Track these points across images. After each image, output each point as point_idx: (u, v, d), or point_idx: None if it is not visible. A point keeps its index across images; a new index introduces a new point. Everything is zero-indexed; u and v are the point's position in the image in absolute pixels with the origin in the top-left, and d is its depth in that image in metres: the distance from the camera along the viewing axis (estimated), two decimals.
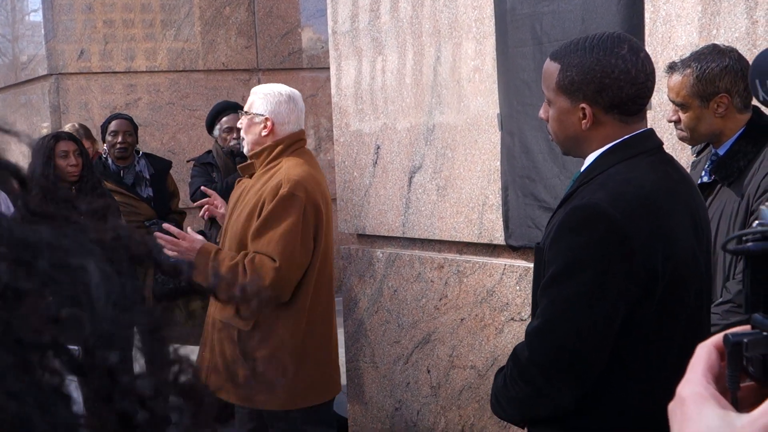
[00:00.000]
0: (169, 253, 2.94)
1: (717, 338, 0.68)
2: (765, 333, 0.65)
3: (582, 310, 1.76)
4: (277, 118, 3.09)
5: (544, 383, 1.81)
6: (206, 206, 3.38)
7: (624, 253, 1.75)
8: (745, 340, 0.65)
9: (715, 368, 0.66)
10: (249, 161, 3.17)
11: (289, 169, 3.04)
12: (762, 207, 0.70)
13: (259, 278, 2.91)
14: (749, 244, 0.66)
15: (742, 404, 0.64)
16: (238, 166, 3.29)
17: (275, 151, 3.09)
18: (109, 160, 4.78)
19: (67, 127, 5.23)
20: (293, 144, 3.14)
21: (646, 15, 3.04)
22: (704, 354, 0.67)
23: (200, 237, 3.06)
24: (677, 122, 2.56)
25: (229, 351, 3.02)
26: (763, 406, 0.61)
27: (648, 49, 2.99)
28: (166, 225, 3.17)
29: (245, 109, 3.16)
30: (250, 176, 3.18)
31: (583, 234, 1.77)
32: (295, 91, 3.24)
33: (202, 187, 3.48)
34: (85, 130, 5.24)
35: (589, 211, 1.77)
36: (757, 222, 0.68)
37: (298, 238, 2.97)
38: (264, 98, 3.10)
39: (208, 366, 3.10)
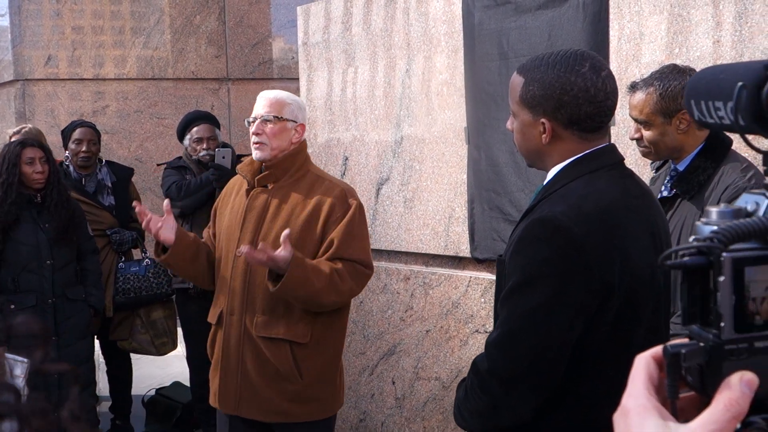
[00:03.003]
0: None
1: (655, 350, 0.69)
2: (701, 344, 0.67)
3: (540, 322, 1.78)
4: (306, 125, 3.06)
5: (503, 394, 1.83)
6: (144, 222, 2.98)
7: (581, 266, 1.77)
8: (683, 350, 0.67)
9: (654, 379, 0.68)
10: (268, 171, 2.95)
11: (334, 179, 3.03)
12: (697, 223, 0.72)
13: (360, 284, 2.91)
14: (685, 258, 0.68)
15: (682, 414, 0.66)
16: (257, 178, 2.98)
17: (299, 158, 2.98)
18: (71, 168, 4.73)
19: (14, 132, 5.14)
20: (307, 152, 3.10)
21: (611, 33, 3.08)
22: (643, 365, 0.68)
23: (291, 246, 2.72)
24: (639, 139, 2.60)
25: (273, 368, 2.89)
26: (701, 417, 0.63)
27: (613, 66, 3.04)
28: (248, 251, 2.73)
29: (273, 114, 2.93)
30: (264, 187, 2.98)
31: (541, 247, 1.79)
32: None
33: (135, 203, 3.19)
34: (38, 133, 5.15)
35: (548, 225, 1.79)
36: (693, 237, 0.70)
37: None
38: (295, 104, 2.98)
39: (237, 391, 2.95)
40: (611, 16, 3.09)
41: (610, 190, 1.88)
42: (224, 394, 2.99)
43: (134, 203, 3.17)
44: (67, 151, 4.75)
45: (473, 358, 3.50)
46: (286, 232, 2.75)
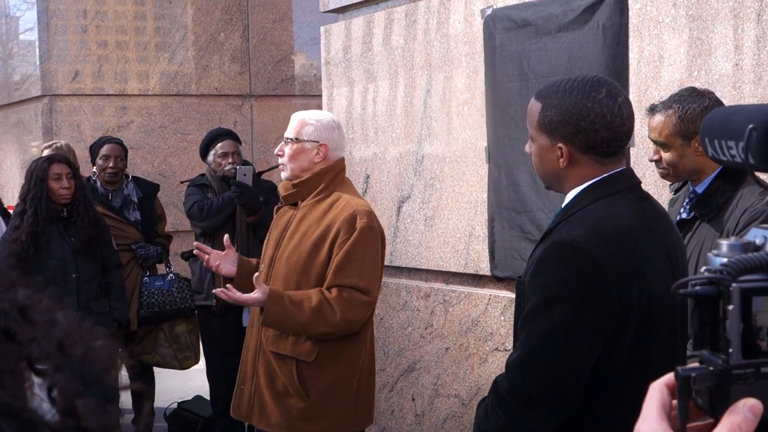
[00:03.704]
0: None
1: (668, 377, 0.73)
2: (711, 368, 0.71)
3: (559, 343, 1.82)
4: (330, 145, 3.01)
5: (523, 414, 1.86)
6: (206, 262, 3.12)
7: (600, 288, 1.80)
8: (693, 374, 0.71)
9: (667, 405, 0.72)
10: (294, 190, 3.02)
11: (354, 199, 2.97)
12: (709, 254, 0.76)
13: (352, 312, 2.85)
14: (697, 288, 0.72)
15: None
16: (282, 196, 3.08)
17: (326, 179, 3.00)
18: (98, 183, 4.81)
19: (46, 146, 5.24)
20: (340, 172, 3.07)
21: (631, 55, 3.12)
22: (657, 392, 0.72)
23: (264, 286, 2.83)
24: (658, 161, 2.63)
25: (282, 383, 2.94)
26: None
27: (632, 88, 3.07)
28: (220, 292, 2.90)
29: (292, 135, 3.01)
30: (293, 205, 3.05)
31: (560, 269, 1.83)
32: (337, 118, 3.24)
33: (195, 243, 3.31)
34: (68, 149, 5.25)
35: (567, 247, 1.83)
36: (704, 268, 0.74)
37: (379, 271, 2.97)
38: (317, 124, 3.00)
39: (250, 399, 3.02)
40: (631, 39, 3.12)
41: (627, 213, 1.92)
42: (239, 403, 3.09)
43: (195, 243, 3.28)
44: (94, 167, 4.83)
45: (493, 376, 3.53)
46: (255, 274, 2.86)
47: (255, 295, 2.82)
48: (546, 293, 1.84)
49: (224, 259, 3.07)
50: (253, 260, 3.23)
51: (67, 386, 0.55)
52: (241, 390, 3.07)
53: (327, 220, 2.93)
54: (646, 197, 2.03)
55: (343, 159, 3.12)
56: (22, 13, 7.59)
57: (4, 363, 0.51)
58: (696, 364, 0.73)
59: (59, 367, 0.55)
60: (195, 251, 3.14)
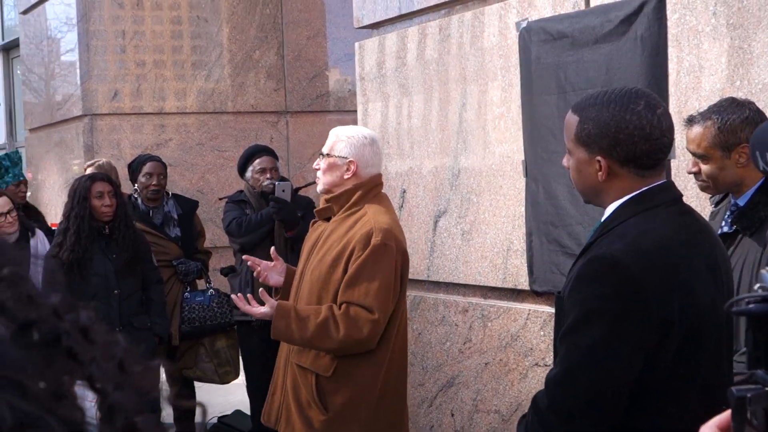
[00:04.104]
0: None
1: (719, 418, 0.71)
2: (767, 388, 0.69)
3: (599, 359, 1.80)
4: (360, 161, 3.03)
5: (563, 430, 1.84)
6: (256, 273, 3.23)
7: (640, 303, 1.78)
8: (749, 395, 0.69)
9: None
10: (326, 204, 3.08)
11: (376, 216, 2.97)
12: (762, 271, 0.74)
13: (356, 330, 2.86)
14: (750, 306, 0.70)
15: None
16: (315, 210, 3.18)
17: (357, 194, 3.01)
18: (139, 200, 4.86)
19: (89, 164, 5.34)
20: (374, 188, 3.08)
21: (670, 65, 3.08)
22: None
23: (272, 300, 2.94)
24: (697, 173, 2.58)
25: (305, 395, 2.99)
26: None
27: (672, 99, 3.04)
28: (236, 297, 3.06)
29: (325, 151, 3.07)
30: (327, 219, 3.11)
31: (599, 285, 1.81)
32: (376, 134, 3.25)
33: (245, 256, 3.39)
34: (110, 167, 5.34)
35: (606, 262, 1.81)
36: (758, 285, 0.72)
37: (392, 289, 2.95)
38: (347, 140, 3.04)
39: (279, 408, 3.09)
40: (669, 49, 3.09)
41: (668, 227, 1.89)
42: (269, 409, 3.16)
43: (245, 256, 3.36)
44: (135, 184, 4.89)
45: (533, 391, 3.49)
46: (261, 290, 2.98)
47: (263, 309, 2.93)
48: (585, 309, 1.82)
49: (272, 270, 3.17)
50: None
51: (127, 404, 0.56)
52: (272, 398, 3.15)
53: (348, 236, 2.97)
54: (688, 211, 2.00)
55: (378, 175, 3.13)
56: (63, 34, 7.72)
57: (67, 382, 0.53)
58: (750, 385, 0.71)
59: (119, 385, 0.56)
60: (249, 263, 3.23)
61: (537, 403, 1.89)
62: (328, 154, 3.06)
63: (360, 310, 2.87)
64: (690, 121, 2.59)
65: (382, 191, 3.16)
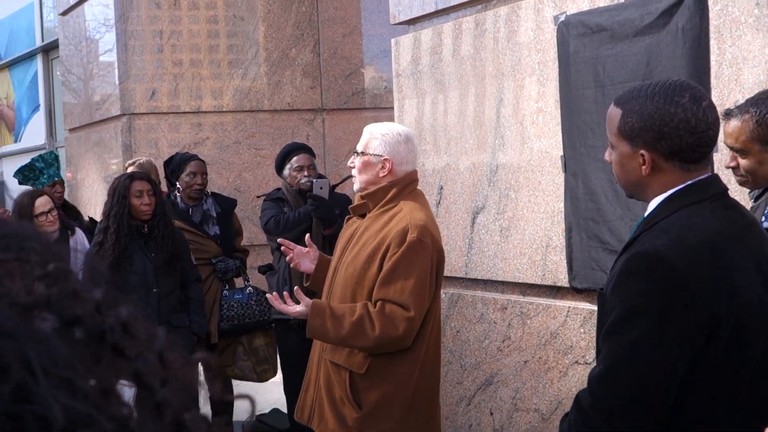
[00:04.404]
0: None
1: None
2: None
3: (643, 356, 1.77)
4: (395, 158, 3.02)
5: (608, 430, 1.81)
6: (289, 257, 3.25)
7: (684, 299, 1.75)
8: None
9: None
10: (361, 201, 3.08)
11: (411, 212, 2.96)
12: None
13: (392, 328, 2.85)
14: None
15: None
16: (350, 206, 3.18)
17: (392, 191, 3.00)
18: (178, 199, 4.89)
19: (129, 163, 5.39)
20: (409, 185, 3.07)
21: (712, 57, 3.02)
22: None
23: (306, 299, 2.92)
24: (735, 168, 2.52)
25: (338, 392, 2.99)
26: None
27: (714, 91, 2.98)
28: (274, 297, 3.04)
29: (360, 149, 3.06)
30: (362, 216, 3.10)
31: (643, 281, 1.78)
32: (410, 131, 3.24)
33: (280, 240, 3.40)
34: (150, 166, 5.39)
35: (650, 258, 1.78)
36: None
37: (427, 286, 2.94)
38: (382, 138, 3.02)
39: (312, 404, 3.10)
40: (711, 41, 3.03)
41: (713, 222, 1.85)
42: (302, 406, 3.16)
43: (279, 240, 3.38)
44: (177, 182, 4.91)
45: (574, 389, 3.45)
46: (296, 288, 2.96)
47: (298, 308, 2.91)
48: (628, 306, 1.79)
49: (305, 257, 3.20)
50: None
51: (174, 400, 0.56)
52: (305, 395, 3.15)
53: (383, 232, 2.96)
54: (734, 205, 1.96)
55: (414, 172, 3.11)
56: (101, 35, 7.81)
57: (115, 378, 0.52)
58: None
59: (165, 380, 0.56)
60: (282, 247, 3.24)
61: (580, 402, 1.86)
62: (363, 152, 3.05)
63: (395, 307, 2.86)
64: (727, 114, 2.53)
65: (418, 188, 3.15)
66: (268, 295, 3.07)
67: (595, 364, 1.92)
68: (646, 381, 1.77)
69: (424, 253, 2.91)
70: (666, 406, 1.78)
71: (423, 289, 2.91)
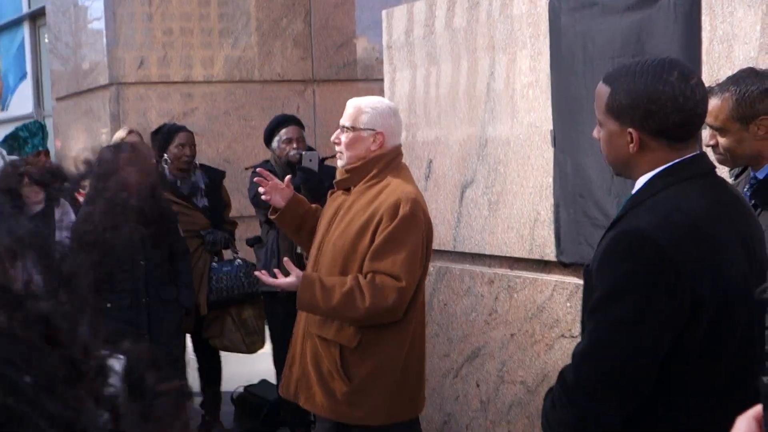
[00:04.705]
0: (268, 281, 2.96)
1: (755, 410, 0.69)
2: None
3: (626, 334, 1.78)
4: (386, 132, 3.01)
5: (591, 406, 1.83)
6: (264, 189, 3.22)
7: (669, 279, 1.75)
8: None
9: None
10: (346, 175, 3.05)
11: (401, 186, 2.97)
12: None
13: (381, 298, 2.85)
14: None
15: None
16: (335, 181, 3.13)
17: (379, 165, 3.00)
18: (166, 170, 4.87)
19: (118, 134, 5.35)
20: (395, 158, 3.06)
21: (703, 34, 3.01)
22: (744, 427, 0.68)
23: (297, 270, 2.92)
24: (715, 146, 2.52)
25: (326, 366, 2.99)
26: None
27: (705, 67, 2.97)
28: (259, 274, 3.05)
29: (348, 123, 3.01)
30: (346, 190, 3.08)
31: (628, 260, 1.78)
32: (395, 105, 3.24)
33: (258, 169, 3.38)
34: (137, 135, 5.35)
35: (635, 237, 1.78)
36: None
37: (419, 258, 2.94)
38: (373, 112, 3.00)
39: (297, 379, 3.09)
40: (703, 16, 3.01)
41: (700, 201, 1.86)
42: (287, 382, 3.16)
43: (258, 169, 3.38)
44: (166, 154, 4.88)
45: (559, 362, 3.48)
46: (285, 258, 2.96)
47: (288, 279, 2.91)
48: (613, 284, 1.80)
49: (279, 192, 3.22)
50: (311, 205, 3.32)
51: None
52: (290, 370, 3.15)
53: (373, 206, 2.95)
54: (721, 182, 1.96)
55: (399, 146, 3.11)
56: (91, 2, 7.72)
57: (59, 377, 0.51)
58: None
59: (101, 368, 0.55)
60: (256, 179, 3.26)
61: (564, 378, 1.87)
62: (352, 127, 3.01)
63: (386, 278, 2.87)
64: (707, 92, 2.53)
65: (402, 161, 3.14)
66: (257, 273, 3.05)
67: (580, 338, 1.94)
68: (629, 359, 1.78)
69: (416, 227, 2.92)
70: (648, 385, 1.79)
71: (414, 261, 2.92)
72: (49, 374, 0.50)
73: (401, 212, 2.88)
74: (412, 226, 2.90)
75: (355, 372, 2.97)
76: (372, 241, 2.91)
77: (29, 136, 5.26)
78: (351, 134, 3.01)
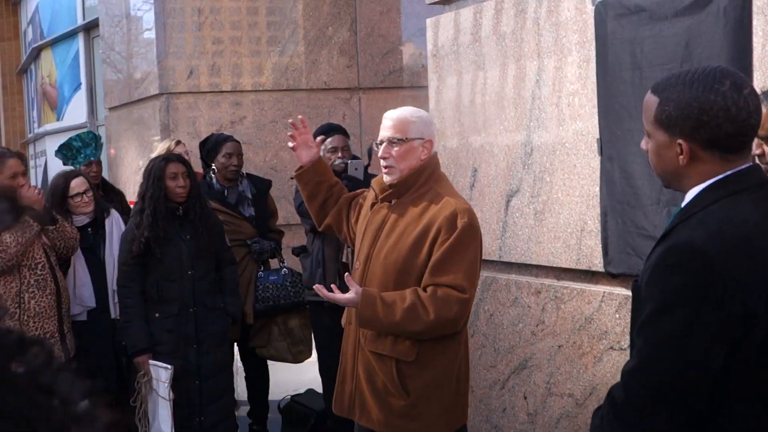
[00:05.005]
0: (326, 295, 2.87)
1: None
2: None
3: (677, 351, 1.73)
4: (433, 140, 3.00)
5: (639, 422, 1.78)
6: (293, 139, 3.21)
7: (720, 294, 1.71)
8: None
9: None
10: (392, 188, 2.97)
11: (452, 196, 2.94)
12: None
13: (446, 311, 2.82)
14: None
15: None
16: (382, 195, 3.02)
17: (425, 174, 2.96)
18: (214, 180, 4.90)
19: (163, 145, 5.41)
20: (437, 166, 3.04)
21: (755, 39, 2.94)
22: None
23: (357, 287, 2.85)
24: (761, 156, 2.45)
25: (381, 381, 2.95)
26: None
27: (756, 74, 2.90)
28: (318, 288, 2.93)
29: (399, 135, 2.93)
30: (387, 201, 3.02)
31: (678, 274, 1.74)
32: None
33: (299, 117, 3.33)
34: (183, 146, 5.40)
35: (687, 251, 1.74)
36: None
37: (478, 269, 2.94)
38: (419, 121, 2.96)
39: (351, 396, 3.05)
40: (754, 21, 2.94)
41: (753, 214, 1.80)
42: (340, 399, 3.10)
43: (290, 122, 3.34)
44: (213, 164, 4.92)
45: (607, 375, 3.41)
46: (347, 275, 2.87)
47: (348, 295, 2.84)
48: (663, 299, 1.75)
49: (307, 147, 3.23)
50: (334, 179, 3.30)
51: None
52: (342, 387, 3.10)
53: (426, 218, 2.90)
54: None
55: (437, 154, 3.09)
56: (143, 13, 7.84)
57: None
58: None
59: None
60: (290, 121, 3.25)
61: (613, 396, 1.83)
62: (405, 138, 2.94)
63: (449, 290, 2.83)
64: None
65: (441, 170, 3.11)
66: (315, 286, 2.93)
67: (629, 354, 1.90)
68: (680, 376, 1.73)
69: (474, 238, 2.89)
70: (699, 399, 1.75)
71: (474, 272, 2.92)
72: None
73: (459, 224, 2.85)
74: (471, 237, 2.87)
75: (413, 385, 2.93)
76: (429, 254, 2.87)
77: (82, 146, 5.36)
78: (403, 146, 2.95)
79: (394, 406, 2.94)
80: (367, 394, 2.99)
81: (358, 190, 3.36)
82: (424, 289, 2.86)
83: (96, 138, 5.55)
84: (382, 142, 3.00)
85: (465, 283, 2.84)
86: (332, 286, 2.93)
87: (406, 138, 2.95)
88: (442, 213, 2.88)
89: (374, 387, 2.97)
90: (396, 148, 2.95)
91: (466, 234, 2.85)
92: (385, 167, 2.99)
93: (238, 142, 5.01)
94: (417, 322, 2.81)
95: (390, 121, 3.00)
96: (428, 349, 2.92)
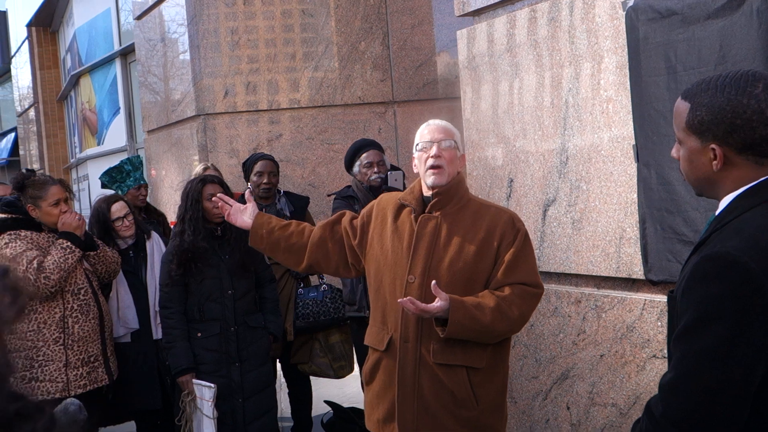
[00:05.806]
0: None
1: None
2: None
3: (715, 365, 1.69)
4: (465, 155, 3.15)
5: None
6: (226, 212, 3.34)
7: (759, 305, 1.66)
8: None
9: None
10: (438, 197, 2.99)
11: (495, 204, 3.10)
12: None
13: (529, 305, 2.93)
14: None
15: None
16: (431, 203, 3.01)
17: (464, 186, 3.07)
18: (252, 199, 4.94)
19: (199, 168, 5.47)
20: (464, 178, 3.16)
21: None
22: None
23: (445, 294, 2.82)
24: None
25: (449, 392, 2.91)
26: None
27: None
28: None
29: (451, 139, 3.00)
30: (430, 213, 3.02)
31: (714, 285, 1.70)
32: None
33: (218, 195, 3.45)
34: (214, 170, 5.46)
35: (722, 261, 1.70)
36: None
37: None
38: (458, 134, 3.08)
39: (417, 414, 2.96)
40: None
41: None
42: (402, 419, 2.98)
43: (218, 195, 3.49)
44: (249, 183, 4.98)
45: (651, 384, 3.36)
46: (433, 283, 2.81)
47: (438, 303, 2.80)
48: (700, 310, 1.71)
49: (242, 213, 3.31)
50: (274, 218, 3.31)
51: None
52: (403, 407, 2.98)
53: (484, 225, 2.97)
54: None
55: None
56: (179, 36, 7.95)
57: None
58: None
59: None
60: (218, 202, 3.37)
61: (651, 410, 1.80)
62: (456, 145, 3.03)
63: (524, 287, 2.92)
64: None
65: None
66: (408, 299, 2.81)
67: (667, 366, 1.86)
68: (719, 390, 1.69)
69: (530, 241, 3.03)
70: (741, 417, 1.70)
71: (537, 269, 3.04)
72: None
73: (519, 227, 2.98)
74: (528, 240, 3.00)
75: (483, 393, 2.93)
76: (494, 259, 2.94)
77: (132, 169, 5.46)
78: (452, 151, 3.01)
79: (463, 418, 2.92)
80: (434, 410, 2.93)
81: (333, 216, 3.30)
82: (502, 289, 2.92)
83: (142, 162, 5.66)
84: (432, 143, 2.99)
85: (537, 279, 2.97)
86: (410, 298, 2.84)
87: (456, 145, 3.04)
88: (500, 218, 2.98)
89: (442, 401, 2.93)
90: (449, 151, 3.00)
91: (527, 237, 2.99)
92: (436, 167, 2.97)
93: (269, 160, 5.03)
94: (505, 321, 2.86)
95: (439, 126, 3.05)
96: (492, 354, 2.96)
